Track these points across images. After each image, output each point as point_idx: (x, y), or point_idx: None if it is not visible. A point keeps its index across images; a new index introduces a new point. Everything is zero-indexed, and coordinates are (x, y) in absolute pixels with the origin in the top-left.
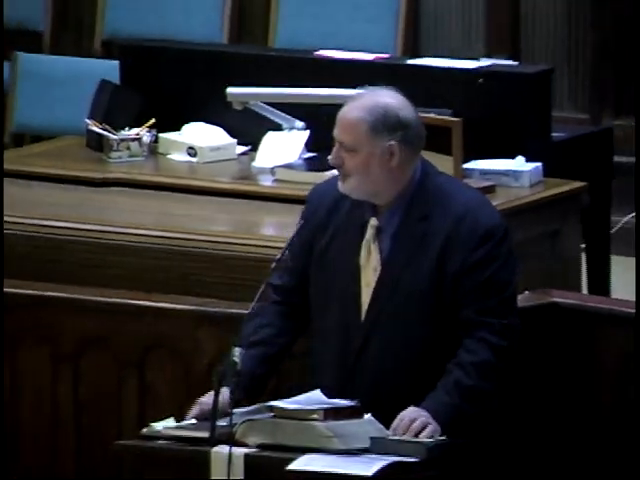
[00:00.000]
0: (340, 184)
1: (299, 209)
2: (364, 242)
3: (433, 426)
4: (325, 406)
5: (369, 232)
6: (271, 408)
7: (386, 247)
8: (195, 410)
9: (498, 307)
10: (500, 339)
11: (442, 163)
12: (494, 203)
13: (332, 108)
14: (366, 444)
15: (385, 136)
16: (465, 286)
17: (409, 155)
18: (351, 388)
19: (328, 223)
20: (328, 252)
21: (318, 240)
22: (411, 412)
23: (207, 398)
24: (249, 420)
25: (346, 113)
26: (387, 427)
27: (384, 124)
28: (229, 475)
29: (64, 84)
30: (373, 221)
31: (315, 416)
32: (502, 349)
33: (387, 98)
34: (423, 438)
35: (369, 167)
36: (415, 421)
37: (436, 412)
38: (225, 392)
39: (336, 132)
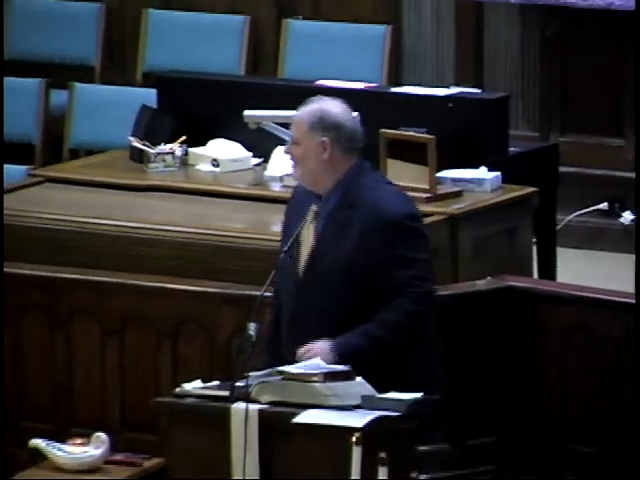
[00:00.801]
0: (292, 173)
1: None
2: (306, 223)
3: (329, 356)
4: (324, 370)
5: (310, 215)
6: (280, 372)
7: (319, 228)
8: None
9: (408, 280)
10: (411, 304)
11: (418, 172)
12: (461, 206)
13: None
14: (357, 401)
15: (320, 133)
16: (379, 263)
17: (340, 152)
18: (291, 342)
19: (295, 210)
20: (289, 231)
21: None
22: (320, 343)
23: None
24: (262, 382)
25: (296, 114)
26: None
27: (320, 124)
28: (246, 427)
29: (111, 108)
30: (314, 207)
31: (315, 378)
32: (413, 312)
33: (328, 105)
34: (403, 396)
35: (306, 158)
36: (316, 349)
37: (341, 347)
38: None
39: (290, 129)
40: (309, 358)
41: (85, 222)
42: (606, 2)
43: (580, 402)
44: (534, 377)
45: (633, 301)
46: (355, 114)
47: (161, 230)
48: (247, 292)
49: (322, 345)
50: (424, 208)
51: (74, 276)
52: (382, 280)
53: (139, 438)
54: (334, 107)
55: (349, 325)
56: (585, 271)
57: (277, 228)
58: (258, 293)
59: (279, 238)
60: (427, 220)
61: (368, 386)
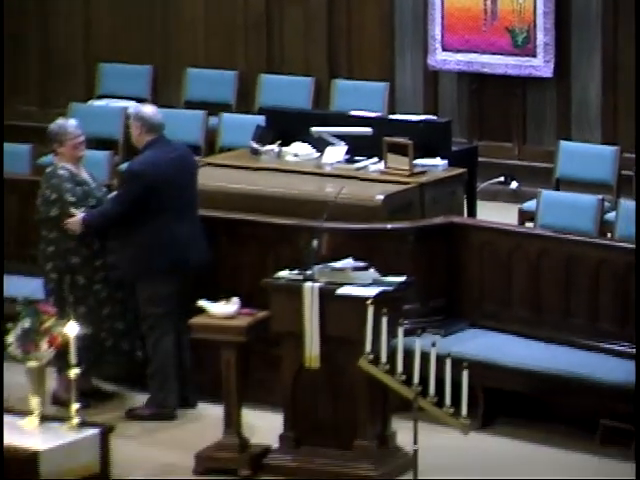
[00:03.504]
0: None
1: (341, 181)
2: None
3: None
4: (354, 265)
5: None
6: (331, 267)
7: None
8: None
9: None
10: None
11: (404, 161)
12: (426, 179)
13: (352, 138)
14: (371, 281)
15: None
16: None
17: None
18: None
19: None
20: None
21: None
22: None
23: None
24: (321, 270)
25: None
26: None
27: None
28: (312, 297)
29: (241, 127)
30: None
31: (349, 269)
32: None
33: (142, 107)
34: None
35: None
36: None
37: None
38: None
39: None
40: (70, 228)
41: (229, 189)
42: None
43: (485, 278)
44: (463, 268)
45: (516, 228)
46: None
47: (270, 194)
48: (310, 224)
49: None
50: (406, 180)
51: (235, 216)
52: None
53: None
54: (145, 107)
55: None
56: (491, 213)
57: (330, 190)
58: (318, 224)
59: (332, 198)
60: (407, 187)
61: (376, 274)
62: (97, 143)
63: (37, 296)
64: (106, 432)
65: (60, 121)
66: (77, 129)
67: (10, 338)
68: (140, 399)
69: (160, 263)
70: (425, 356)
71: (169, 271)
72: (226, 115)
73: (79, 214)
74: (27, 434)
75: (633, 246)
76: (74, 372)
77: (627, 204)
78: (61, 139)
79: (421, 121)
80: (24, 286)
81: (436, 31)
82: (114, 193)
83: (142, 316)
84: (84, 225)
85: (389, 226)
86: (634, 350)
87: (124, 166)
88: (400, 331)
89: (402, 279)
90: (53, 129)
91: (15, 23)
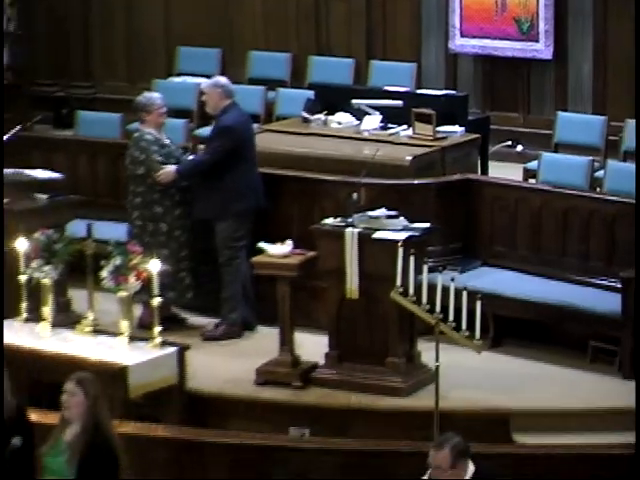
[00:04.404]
0: None
1: (376, 145)
2: None
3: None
4: (387, 214)
5: None
6: (368, 215)
7: None
8: None
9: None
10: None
11: (428, 128)
12: (447, 143)
13: (386, 109)
14: (402, 227)
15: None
16: None
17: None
18: None
19: None
20: None
21: None
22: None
23: None
24: (360, 218)
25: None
26: None
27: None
28: (352, 240)
29: (295, 100)
30: None
31: (383, 216)
32: (205, 159)
33: (218, 77)
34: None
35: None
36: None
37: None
38: None
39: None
40: (162, 179)
41: (287, 149)
42: None
43: (495, 225)
44: (477, 217)
45: (521, 183)
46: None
47: (319, 152)
48: (350, 180)
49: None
50: (430, 144)
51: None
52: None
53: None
54: (221, 79)
55: None
56: (500, 172)
57: (366, 152)
58: (357, 180)
59: (370, 158)
60: (431, 150)
61: (405, 221)
62: (175, 113)
63: (125, 239)
64: (182, 350)
65: (147, 94)
66: (161, 101)
67: (104, 273)
68: (211, 323)
69: (240, 205)
70: (445, 289)
71: (246, 212)
72: (281, 90)
73: (171, 167)
74: (118, 352)
75: (618, 198)
76: (156, 301)
77: (613, 164)
78: (148, 109)
79: (443, 95)
80: (114, 231)
81: (455, 21)
82: (201, 148)
83: (221, 251)
84: (177, 175)
85: (416, 182)
86: (619, 285)
87: (198, 131)
88: (424, 268)
89: (426, 226)
90: (141, 101)
91: (105, 12)
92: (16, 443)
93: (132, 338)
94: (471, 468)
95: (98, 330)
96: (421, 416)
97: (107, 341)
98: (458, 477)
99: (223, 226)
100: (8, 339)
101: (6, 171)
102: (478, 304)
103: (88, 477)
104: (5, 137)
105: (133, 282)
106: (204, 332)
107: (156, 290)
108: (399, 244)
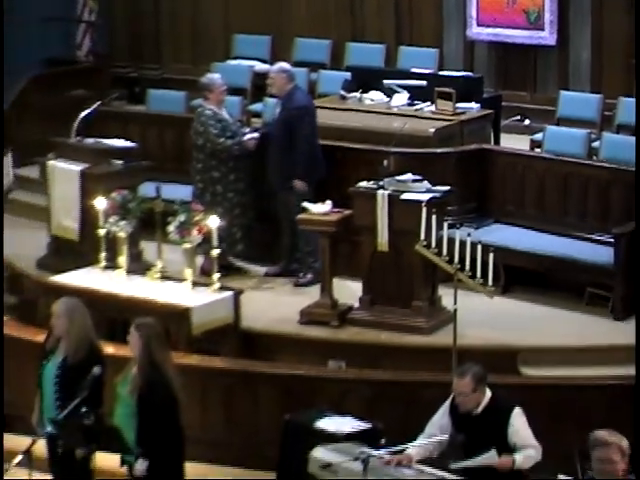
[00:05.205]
0: None
1: (404, 119)
2: None
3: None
4: (412, 178)
5: None
6: (397, 180)
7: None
8: None
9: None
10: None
11: (447, 105)
12: (465, 117)
13: (412, 88)
14: (424, 190)
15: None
16: None
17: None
18: None
19: None
20: None
21: None
22: None
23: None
24: (390, 182)
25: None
26: None
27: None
28: (383, 201)
29: (332, 83)
30: None
31: (409, 180)
32: (305, 148)
33: (281, 63)
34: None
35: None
36: None
37: None
38: None
39: None
40: (247, 145)
41: (327, 122)
42: None
43: (506, 188)
44: (490, 181)
45: (528, 152)
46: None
47: (355, 124)
48: (382, 149)
49: None
50: (450, 118)
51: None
52: None
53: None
54: (285, 65)
55: None
56: (510, 142)
57: (396, 125)
58: (387, 149)
59: (400, 130)
60: (450, 123)
61: (428, 185)
62: (232, 91)
63: (188, 199)
64: (237, 294)
65: (209, 75)
66: (221, 81)
67: (170, 227)
68: (260, 271)
69: (313, 174)
70: (462, 243)
71: (315, 180)
72: (322, 72)
73: (255, 135)
74: (182, 295)
75: (612, 165)
76: (215, 251)
77: (608, 135)
78: (210, 88)
79: (461, 76)
80: (179, 192)
81: (472, 12)
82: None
83: (294, 214)
84: (303, 175)
85: (438, 151)
86: (611, 240)
87: (251, 107)
88: (444, 225)
89: (446, 188)
90: (204, 81)
91: (173, 4)
92: (96, 372)
93: (194, 283)
94: (488, 394)
95: (165, 277)
96: (441, 351)
97: (173, 286)
98: (478, 400)
99: (290, 194)
100: (89, 284)
101: (87, 140)
102: (491, 256)
103: (145, 409)
104: (87, 111)
105: (195, 235)
106: (296, 281)
107: (215, 242)
108: (423, 204)
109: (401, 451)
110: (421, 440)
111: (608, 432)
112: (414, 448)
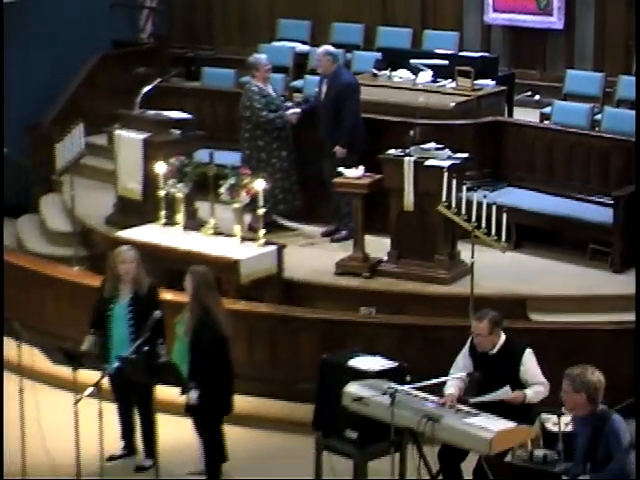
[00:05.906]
0: None
1: (428, 94)
2: None
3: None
4: (435, 147)
5: None
6: (421, 148)
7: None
8: None
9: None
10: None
11: (466, 82)
12: (481, 93)
13: (436, 67)
14: (445, 157)
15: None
16: None
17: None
18: None
19: None
20: None
21: None
22: None
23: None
24: (415, 150)
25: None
26: None
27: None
28: (409, 166)
29: (364, 63)
30: None
31: (433, 148)
32: (350, 121)
33: (326, 46)
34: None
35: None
36: None
37: None
38: None
39: None
40: (290, 118)
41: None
42: None
43: (518, 155)
44: (504, 149)
45: (538, 124)
46: (443, 61)
47: (385, 99)
48: (409, 120)
49: None
50: (469, 93)
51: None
52: None
53: None
54: (334, 49)
55: None
56: (522, 115)
57: (421, 99)
58: (414, 120)
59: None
60: (469, 98)
61: (449, 152)
62: (276, 69)
63: (238, 164)
64: (280, 248)
65: (256, 55)
66: (266, 60)
67: (222, 189)
68: (299, 228)
69: (358, 144)
70: (479, 204)
71: (360, 149)
72: (356, 52)
73: (297, 110)
74: (232, 249)
75: (612, 136)
76: (261, 210)
77: (609, 109)
78: (257, 67)
79: (479, 57)
80: (230, 158)
81: None
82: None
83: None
84: (345, 143)
85: (458, 122)
86: (611, 201)
87: (293, 83)
88: (463, 188)
89: (465, 156)
90: (252, 60)
91: None
92: (157, 315)
93: (243, 238)
94: (503, 336)
95: (217, 232)
96: (459, 299)
97: (224, 241)
98: (493, 342)
99: (333, 161)
100: (151, 239)
101: (149, 112)
102: (504, 215)
103: (196, 346)
104: (149, 87)
105: (244, 196)
106: (333, 237)
107: (260, 202)
108: (444, 170)
109: (425, 387)
110: (451, 380)
111: (578, 367)
112: (451, 387)
